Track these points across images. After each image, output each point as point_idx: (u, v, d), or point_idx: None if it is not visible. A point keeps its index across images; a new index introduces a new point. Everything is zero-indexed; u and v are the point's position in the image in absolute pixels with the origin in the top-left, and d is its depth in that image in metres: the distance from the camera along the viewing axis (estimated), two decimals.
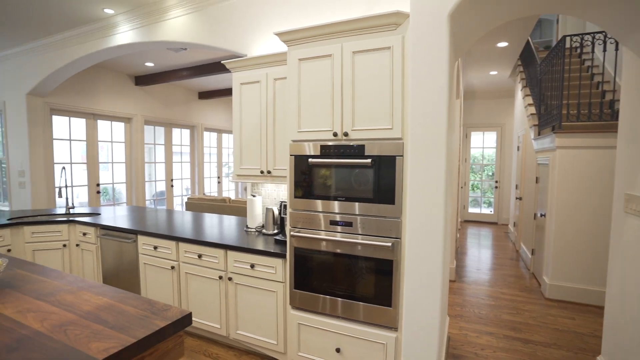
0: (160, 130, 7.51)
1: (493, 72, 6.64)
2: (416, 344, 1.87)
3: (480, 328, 3.09)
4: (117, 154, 6.67)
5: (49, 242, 3.44)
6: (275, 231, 2.75)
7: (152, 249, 2.85)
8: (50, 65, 4.86)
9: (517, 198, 6.34)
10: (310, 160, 2.06)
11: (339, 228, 2.06)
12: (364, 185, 1.98)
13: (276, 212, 2.75)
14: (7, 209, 5.74)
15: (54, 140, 5.58)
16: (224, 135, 9.33)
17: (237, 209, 4.92)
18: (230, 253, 2.47)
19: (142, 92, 6.96)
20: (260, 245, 2.42)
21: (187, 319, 1.32)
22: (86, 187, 6.14)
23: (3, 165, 5.77)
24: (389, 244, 1.92)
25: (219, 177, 9.11)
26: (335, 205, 2.06)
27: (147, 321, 1.26)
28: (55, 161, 5.61)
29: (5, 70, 5.40)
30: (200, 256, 2.58)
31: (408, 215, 1.86)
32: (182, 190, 8.11)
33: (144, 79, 6.70)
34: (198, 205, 5.36)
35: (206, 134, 8.67)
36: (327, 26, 2.00)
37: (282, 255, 2.27)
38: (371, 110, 1.95)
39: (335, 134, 2.03)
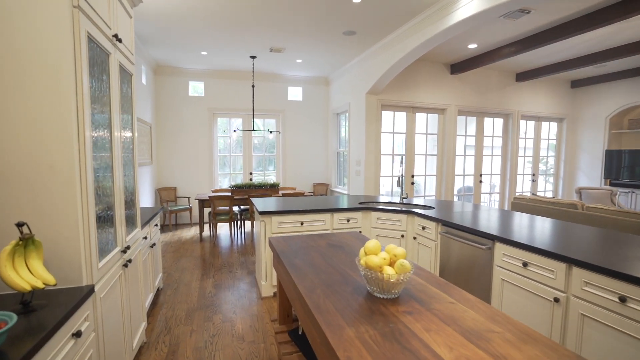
0: (472, 121, 6.92)
1: None
2: None
3: None
4: (430, 146, 6.64)
5: (388, 230, 3.51)
6: None
7: (520, 265, 2.16)
8: (384, 65, 5.22)
9: None
10: None
11: None
12: None
13: None
14: (345, 192, 6.91)
15: (381, 134, 6.13)
16: (544, 124, 7.60)
17: (598, 219, 3.50)
18: None
19: (457, 81, 6.58)
20: None
21: None
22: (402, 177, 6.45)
23: (345, 155, 6.96)
24: None
25: (533, 175, 7.54)
26: None
27: None
28: (381, 153, 6.17)
29: (352, 76, 6.40)
30: (622, 299, 1.63)
31: None
32: (489, 187, 7.24)
33: (459, 66, 6.27)
34: (528, 207, 4.32)
35: (522, 123, 7.33)
36: None
37: None
38: None
39: None
